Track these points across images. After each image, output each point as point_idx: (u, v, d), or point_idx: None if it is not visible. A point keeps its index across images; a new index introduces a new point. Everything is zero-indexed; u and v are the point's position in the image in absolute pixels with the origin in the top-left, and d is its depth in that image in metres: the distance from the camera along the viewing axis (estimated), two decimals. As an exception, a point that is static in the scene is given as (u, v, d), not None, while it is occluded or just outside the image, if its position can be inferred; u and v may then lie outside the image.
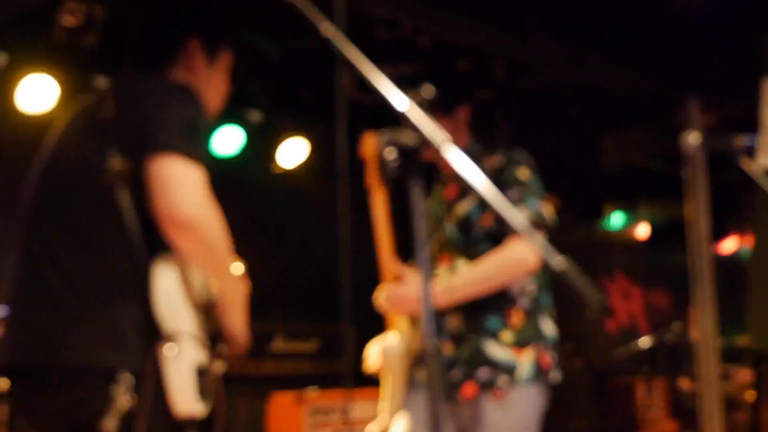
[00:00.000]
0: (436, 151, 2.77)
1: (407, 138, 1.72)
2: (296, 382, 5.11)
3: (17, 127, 4.95)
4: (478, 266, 2.92)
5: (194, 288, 2.25)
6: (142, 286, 2.08)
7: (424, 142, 1.69)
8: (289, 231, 6.14)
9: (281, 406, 4.95)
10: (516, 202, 2.95)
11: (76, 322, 2.08)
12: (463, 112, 3.34)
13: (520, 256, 2.84)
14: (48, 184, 2.32)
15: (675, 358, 7.33)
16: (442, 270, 3.07)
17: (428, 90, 1.78)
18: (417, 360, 3.01)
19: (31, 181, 2.37)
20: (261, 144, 5.78)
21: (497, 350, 2.93)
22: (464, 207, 3.01)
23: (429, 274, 1.66)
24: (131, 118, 2.18)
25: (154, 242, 2.12)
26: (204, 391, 2.14)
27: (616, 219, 7.51)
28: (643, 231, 7.90)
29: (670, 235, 7.45)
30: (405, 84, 1.91)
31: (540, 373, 2.96)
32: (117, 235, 2.09)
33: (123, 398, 2.00)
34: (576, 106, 5.36)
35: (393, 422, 3.05)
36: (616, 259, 8.23)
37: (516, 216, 2.96)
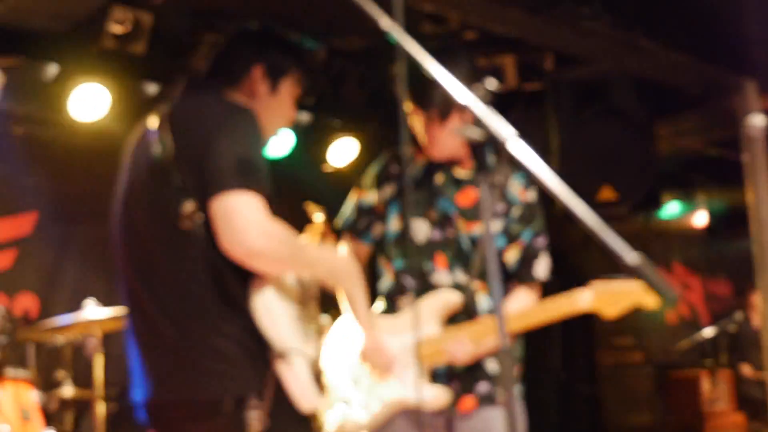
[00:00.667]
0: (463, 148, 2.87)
1: (473, 132, 1.71)
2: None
3: (70, 135, 5.05)
4: (527, 315, 2.87)
5: (293, 287, 2.40)
6: (241, 312, 2.22)
7: (490, 136, 1.68)
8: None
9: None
10: (540, 250, 2.97)
11: (194, 358, 2.23)
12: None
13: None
14: (128, 228, 2.42)
15: (738, 347, 7.24)
16: (440, 272, 2.96)
17: (492, 83, 1.77)
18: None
19: (114, 225, 2.47)
20: (311, 144, 5.82)
21: (494, 366, 2.92)
22: (481, 229, 2.85)
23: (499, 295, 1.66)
24: (190, 152, 2.27)
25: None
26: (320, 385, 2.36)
27: (673, 208, 7.43)
28: (701, 219, 7.80)
29: (730, 222, 7.36)
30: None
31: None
32: (204, 271, 2.23)
33: (255, 421, 2.15)
34: (629, 95, 5.31)
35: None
36: (674, 249, 8.14)
37: (540, 265, 2.99)
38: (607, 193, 5.21)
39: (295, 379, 2.23)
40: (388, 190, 3.07)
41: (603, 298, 2.73)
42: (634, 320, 6.93)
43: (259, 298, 2.26)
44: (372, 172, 3.13)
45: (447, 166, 3.01)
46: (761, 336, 4.85)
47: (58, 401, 3.95)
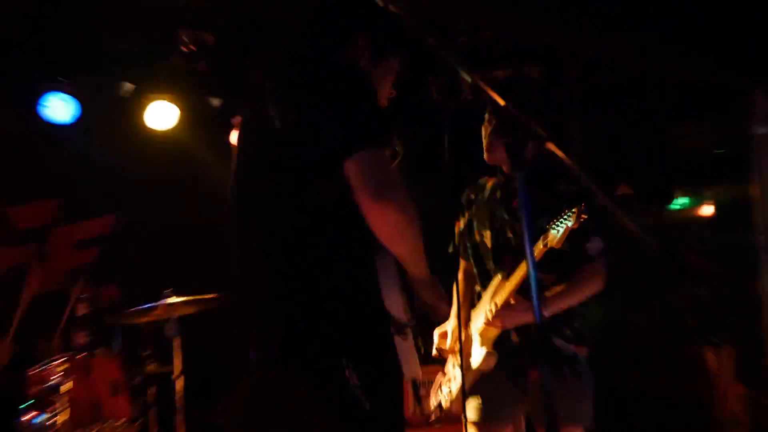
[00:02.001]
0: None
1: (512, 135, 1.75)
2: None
3: (145, 143, 5.13)
4: (577, 290, 3.04)
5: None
6: (364, 281, 2.15)
7: (528, 138, 1.72)
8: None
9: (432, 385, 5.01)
10: (589, 233, 3.04)
11: (312, 318, 2.11)
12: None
13: (600, 285, 3.07)
14: (248, 211, 2.29)
15: (741, 327, 7.19)
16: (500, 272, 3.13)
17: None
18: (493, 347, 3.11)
19: (230, 211, 2.36)
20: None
21: (561, 343, 3.06)
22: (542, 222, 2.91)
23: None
24: (310, 120, 2.14)
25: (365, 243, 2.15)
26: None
27: (684, 202, 7.38)
28: (708, 211, 7.73)
29: (735, 214, 7.30)
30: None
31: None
32: (334, 239, 2.14)
33: (353, 379, 2.06)
34: (645, 98, 5.29)
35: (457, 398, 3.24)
36: (684, 238, 8.07)
37: (593, 244, 3.06)
38: (624, 189, 5.21)
39: (406, 349, 2.20)
40: (467, 214, 3.36)
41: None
42: (644, 301, 6.92)
43: (383, 270, 2.18)
44: (462, 200, 3.44)
45: (506, 182, 3.18)
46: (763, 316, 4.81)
47: (142, 376, 4.04)
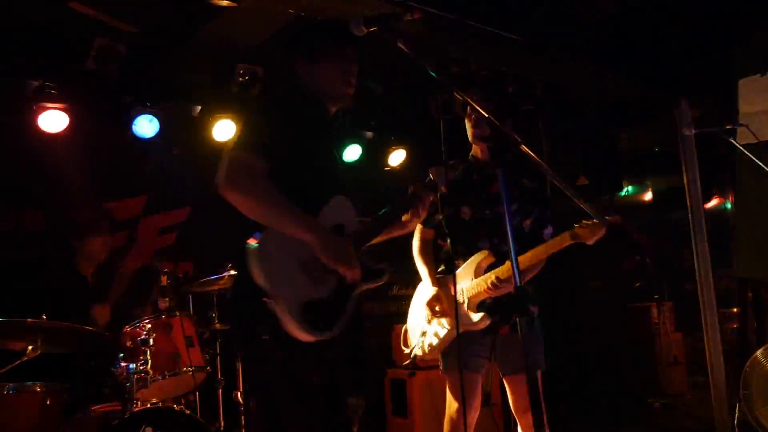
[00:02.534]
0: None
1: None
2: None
3: (210, 152, 5.10)
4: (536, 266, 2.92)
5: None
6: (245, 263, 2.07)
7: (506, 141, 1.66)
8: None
9: (401, 333, 4.97)
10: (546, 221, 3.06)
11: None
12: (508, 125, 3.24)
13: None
14: None
15: (677, 286, 7.11)
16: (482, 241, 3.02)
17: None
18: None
19: None
20: (374, 153, 5.81)
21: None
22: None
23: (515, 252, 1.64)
24: None
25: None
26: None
27: (629, 189, 7.28)
28: (648, 197, 7.64)
29: (669, 198, 7.22)
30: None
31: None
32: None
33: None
34: (596, 111, 5.21)
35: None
36: (631, 219, 7.98)
37: (547, 230, 2.99)
38: (582, 181, 5.13)
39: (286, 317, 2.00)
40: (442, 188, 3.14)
41: (582, 233, 2.68)
42: (601, 269, 6.84)
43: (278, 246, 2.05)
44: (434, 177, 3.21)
45: (482, 168, 3.02)
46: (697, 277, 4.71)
47: (210, 332, 4.02)
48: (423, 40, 2.63)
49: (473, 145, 3.07)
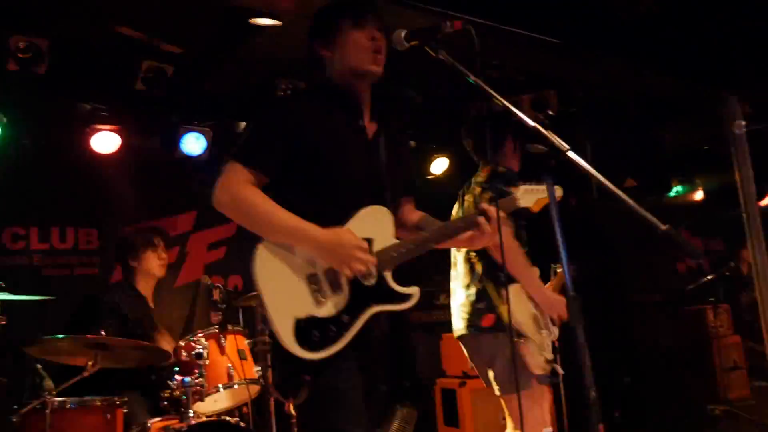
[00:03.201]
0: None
1: (537, 150, 1.68)
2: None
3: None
4: None
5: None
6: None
7: (553, 149, 1.65)
8: (438, 215, 6.14)
9: (450, 343, 4.95)
10: None
11: None
12: (509, 144, 3.23)
13: None
14: None
15: (732, 288, 6.89)
16: None
17: (548, 114, 1.73)
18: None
19: None
20: (416, 162, 5.81)
21: None
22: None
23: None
24: None
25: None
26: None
27: (678, 189, 7.10)
28: (699, 196, 7.42)
29: (721, 197, 7.02)
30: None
31: None
32: None
33: None
34: (640, 109, 5.11)
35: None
36: (680, 219, 7.79)
37: None
38: (630, 183, 5.04)
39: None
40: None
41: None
42: (654, 271, 6.69)
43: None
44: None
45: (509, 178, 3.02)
46: (751, 279, 4.57)
47: (261, 345, 4.05)
48: (462, 48, 2.62)
49: (506, 157, 3.10)
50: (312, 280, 1.96)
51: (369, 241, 2.02)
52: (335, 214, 2.00)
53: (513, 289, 3.01)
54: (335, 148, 2.05)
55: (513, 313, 2.95)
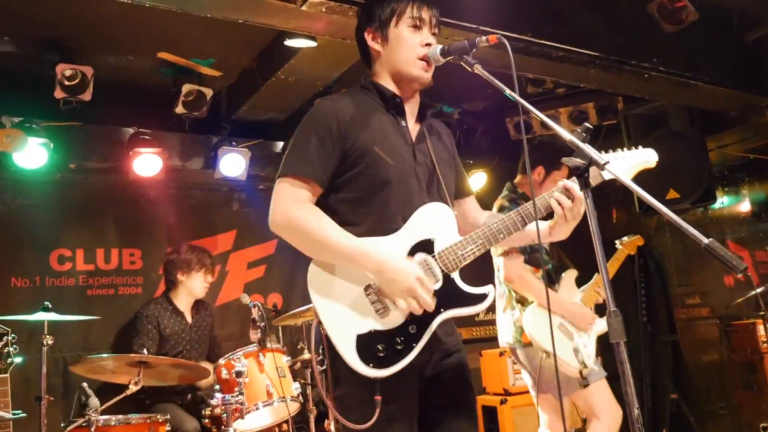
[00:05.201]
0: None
1: (575, 161, 1.64)
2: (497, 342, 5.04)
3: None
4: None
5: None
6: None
7: (591, 163, 1.60)
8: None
9: (490, 358, 4.88)
10: None
11: None
12: (538, 172, 3.33)
13: None
14: None
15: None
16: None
17: (586, 127, 1.68)
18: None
19: None
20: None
21: None
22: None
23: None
24: None
25: None
26: None
27: (724, 200, 6.89)
28: (745, 207, 7.19)
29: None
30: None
31: None
32: None
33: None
34: (683, 121, 4.98)
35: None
36: (727, 231, 7.55)
37: None
38: (672, 194, 4.90)
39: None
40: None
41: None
42: (701, 284, 6.49)
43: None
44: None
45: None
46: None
47: (300, 363, 4.06)
48: (499, 63, 2.60)
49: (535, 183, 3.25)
50: (370, 290, 1.84)
51: (430, 241, 1.89)
52: (388, 217, 1.88)
53: (529, 310, 3.17)
54: (382, 149, 1.92)
55: (531, 336, 3.13)
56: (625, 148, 2.16)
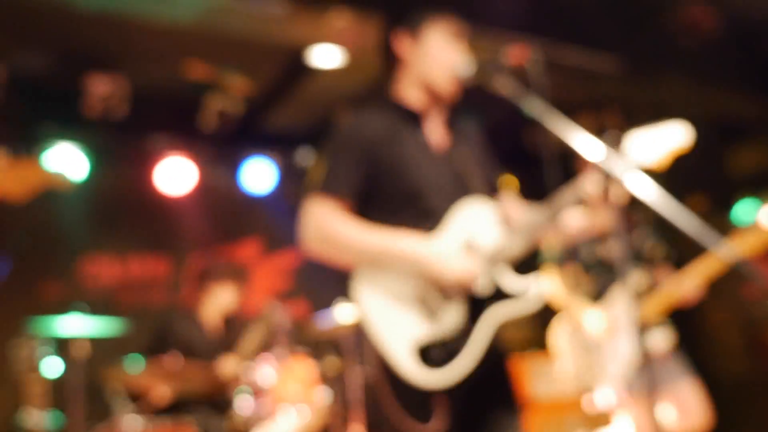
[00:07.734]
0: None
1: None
2: (518, 347, 4.96)
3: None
4: None
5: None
6: None
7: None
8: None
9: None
10: None
11: None
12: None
13: None
14: None
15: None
16: None
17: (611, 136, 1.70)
18: None
19: None
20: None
21: None
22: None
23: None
24: None
25: None
26: None
27: (745, 211, 6.79)
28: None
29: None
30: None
31: None
32: None
33: None
34: (705, 131, 4.94)
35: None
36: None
37: None
38: (695, 203, 4.87)
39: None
40: None
41: None
42: (724, 298, 6.38)
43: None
44: None
45: None
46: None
47: (329, 371, 4.04)
48: (522, 75, 2.61)
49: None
50: (418, 294, 1.79)
51: (474, 238, 1.83)
52: (424, 226, 1.84)
53: (555, 324, 3.20)
54: (410, 161, 1.89)
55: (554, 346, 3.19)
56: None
